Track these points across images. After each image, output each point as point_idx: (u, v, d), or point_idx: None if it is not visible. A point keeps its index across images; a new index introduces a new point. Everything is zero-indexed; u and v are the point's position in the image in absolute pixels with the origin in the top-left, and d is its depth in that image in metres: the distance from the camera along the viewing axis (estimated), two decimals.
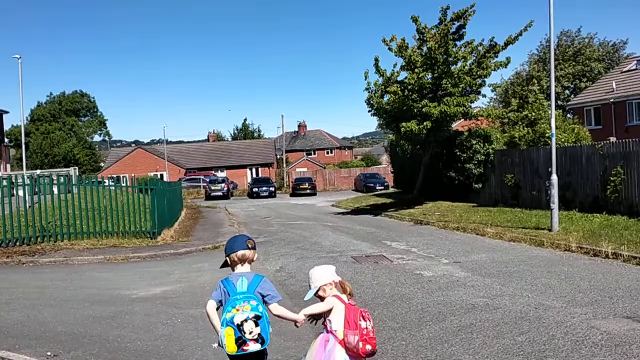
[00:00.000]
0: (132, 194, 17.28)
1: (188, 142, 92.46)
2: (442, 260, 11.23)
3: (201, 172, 60.89)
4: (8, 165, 58.91)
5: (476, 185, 24.04)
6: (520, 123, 21.99)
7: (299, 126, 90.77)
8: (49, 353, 5.65)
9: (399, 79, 23.17)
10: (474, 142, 23.57)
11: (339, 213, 26.69)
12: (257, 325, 3.66)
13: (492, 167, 23.44)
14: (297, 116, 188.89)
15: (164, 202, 18.94)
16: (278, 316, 3.89)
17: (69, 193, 17.72)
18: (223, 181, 48.32)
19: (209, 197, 45.26)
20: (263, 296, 3.80)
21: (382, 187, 46.34)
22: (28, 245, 14.80)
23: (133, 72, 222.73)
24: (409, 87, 22.34)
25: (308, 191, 46.61)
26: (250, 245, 3.93)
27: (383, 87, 23.21)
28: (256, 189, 46.44)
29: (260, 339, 3.68)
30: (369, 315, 3.90)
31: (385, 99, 23.16)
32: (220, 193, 45.68)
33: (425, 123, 21.83)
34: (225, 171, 63.23)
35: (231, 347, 3.64)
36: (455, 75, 22.15)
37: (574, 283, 8.49)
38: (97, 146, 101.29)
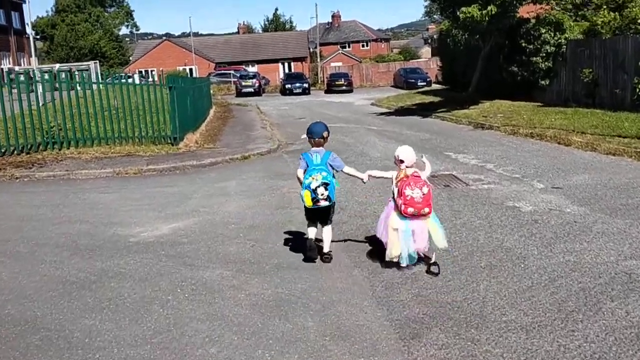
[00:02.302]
0: (151, 92, 14.83)
1: (218, 34, 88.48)
2: (535, 183, 8.66)
3: (231, 66, 57.72)
4: (32, 59, 56.77)
5: (542, 82, 20.85)
6: (604, 7, 18.38)
7: (332, 17, 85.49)
8: None
9: None
10: (543, 30, 20.11)
11: (381, 114, 23.93)
12: (326, 189, 5.13)
13: (563, 60, 20.12)
14: (329, 6, 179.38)
15: (186, 102, 16.49)
16: (348, 174, 5.52)
17: (88, 90, 15.31)
18: (254, 77, 45.33)
19: (239, 94, 42.60)
20: (332, 166, 5.29)
21: (424, 83, 42.93)
22: (28, 154, 12.66)
23: None
24: None
25: (344, 88, 43.47)
26: (325, 136, 5.38)
27: None
28: (289, 86, 43.48)
29: (328, 199, 5.18)
30: (420, 183, 4.94)
31: None
32: (251, 89, 42.90)
33: (489, 8, 18.48)
34: (256, 66, 59.91)
35: (309, 203, 5.17)
36: None
37: None
38: (127, 39, 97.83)
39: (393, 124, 19.34)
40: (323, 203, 5.15)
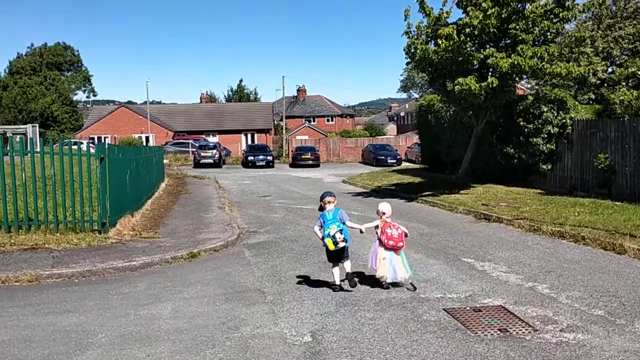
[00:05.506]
0: (75, 163, 11.44)
1: (181, 104, 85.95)
2: None
3: (191, 135, 54.71)
4: None
5: (544, 166, 18.30)
6: (622, 84, 16.09)
7: (298, 91, 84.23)
8: None
9: (449, 21, 17.18)
10: (545, 109, 17.73)
11: (357, 194, 20.91)
12: (341, 234, 7.04)
13: (567, 142, 17.67)
14: (295, 81, 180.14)
15: (124, 177, 13.15)
16: (350, 227, 7.20)
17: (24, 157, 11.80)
18: (214, 147, 42.27)
19: (197, 165, 39.40)
20: (341, 219, 7.13)
21: (395, 161, 40.64)
22: None
23: (122, 29, 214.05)
24: (467, 30, 16.41)
25: (310, 162, 40.77)
26: (333, 195, 7.42)
27: (429, 30, 17.21)
28: (252, 158, 40.50)
29: (344, 240, 7.08)
30: (396, 226, 7.36)
31: (432, 46, 17.16)
32: (210, 160, 39.78)
33: (489, 80, 15.96)
34: (217, 136, 56.98)
35: (332, 247, 7.06)
36: (529, 18, 16.29)
37: None
38: (88, 105, 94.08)
39: (375, 208, 16.25)
40: (341, 244, 7.12)
